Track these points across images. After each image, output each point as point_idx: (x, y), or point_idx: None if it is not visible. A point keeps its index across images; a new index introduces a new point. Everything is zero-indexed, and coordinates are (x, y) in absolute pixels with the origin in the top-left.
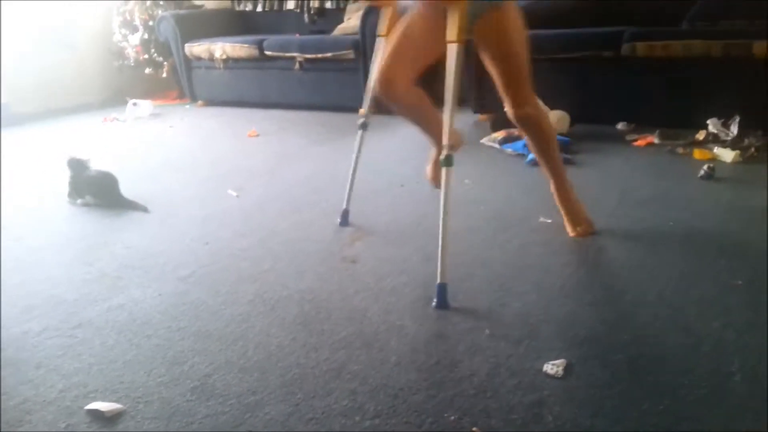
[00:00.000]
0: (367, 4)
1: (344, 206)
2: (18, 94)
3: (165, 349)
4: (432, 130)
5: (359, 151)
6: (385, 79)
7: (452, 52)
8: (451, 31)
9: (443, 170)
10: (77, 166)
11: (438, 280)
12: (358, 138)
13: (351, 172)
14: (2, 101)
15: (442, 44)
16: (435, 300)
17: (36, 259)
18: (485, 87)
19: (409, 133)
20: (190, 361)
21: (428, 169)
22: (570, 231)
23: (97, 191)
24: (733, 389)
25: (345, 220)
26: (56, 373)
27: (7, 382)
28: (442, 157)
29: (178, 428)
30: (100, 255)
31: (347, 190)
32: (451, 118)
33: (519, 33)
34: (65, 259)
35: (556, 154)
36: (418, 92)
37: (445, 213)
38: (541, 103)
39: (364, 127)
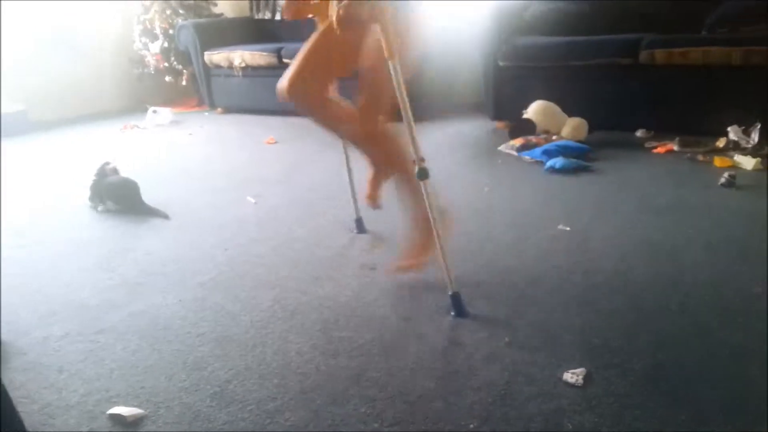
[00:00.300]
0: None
1: (356, 215)
2: (37, 102)
3: (185, 354)
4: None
5: (347, 157)
6: (293, 89)
7: (391, 69)
8: (386, 49)
9: (421, 183)
10: (101, 173)
11: (450, 291)
12: (341, 147)
13: (348, 180)
14: (21, 109)
15: (354, 57)
16: (452, 311)
17: (58, 265)
18: (503, 95)
19: (426, 141)
20: (210, 366)
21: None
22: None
23: (119, 197)
24: (755, 398)
25: (361, 227)
26: (78, 378)
27: (29, 386)
28: (416, 170)
29: None
30: (121, 261)
31: (352, 199)
32: (411, 131)
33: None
34: (87, 265)
35: (399, 173)
36: (336, 105)
37: (435, 223)
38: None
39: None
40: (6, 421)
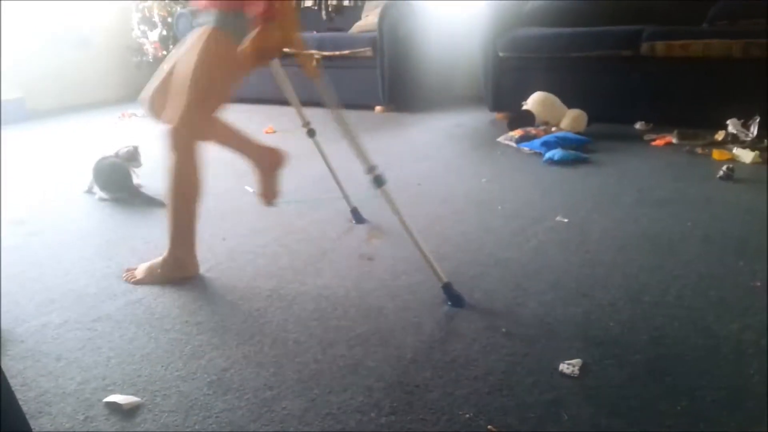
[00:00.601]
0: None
1: (351, 206)
2: (36, 91)
3: (183, 343)
4: (237, 149)
5: (323, 155)
6: (155, 103)
7: (318, 86)
8: (306, 70)
9: (380, 191)
10: (103, 158)
11: (440, 283)
12: (313, 146)
13: (331, 174)
14: (19, 96)
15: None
16: (448, 301)
17: (56, 254)
18: (502, 86)
19: (426, 132)
20: (208, 355)
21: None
22: (138, 273)
23: (105, 183)
24: (752, 391)
25: (358, 217)
26: (75, 366)
27: (26, 374)
28: (370, 178)
29: (195, 422)
30: (119, 250)
31: (341, 191)
32: (349, 136)
33: (215, 61)
34: (85, 254)
35: (180, 199)
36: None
37: (406, 226)
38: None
39: (311, 134)
40: (5, 409)
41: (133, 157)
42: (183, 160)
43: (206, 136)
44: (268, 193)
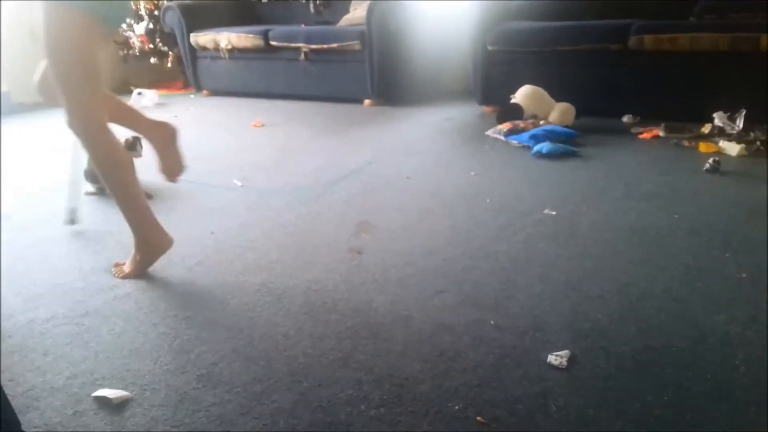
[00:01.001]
0: None
1: (72, 204)
2: (22, 85)
3: (172, 337)
4: (129, 125)
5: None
6: (44, 84)
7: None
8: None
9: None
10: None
11: None
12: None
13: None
14: (4, 90)
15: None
16: None
17: (43, 248)
18: (491, 80)
19: (415, 126)
20: (197, 349)
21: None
22: (125, 268)
23: (90, 170)
24: (738, 382)
25: (73, 218)
26: (63, 361)
27: (14, 369)
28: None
29: (184, 416)
30: (107, 244)
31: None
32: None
33: (62, 41)
34: (72, 249)
35: (115, 181)
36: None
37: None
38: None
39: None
40: None
41: (133, 146)
42: (94, 143)
43: (102, 113)
44: (169, 170)
